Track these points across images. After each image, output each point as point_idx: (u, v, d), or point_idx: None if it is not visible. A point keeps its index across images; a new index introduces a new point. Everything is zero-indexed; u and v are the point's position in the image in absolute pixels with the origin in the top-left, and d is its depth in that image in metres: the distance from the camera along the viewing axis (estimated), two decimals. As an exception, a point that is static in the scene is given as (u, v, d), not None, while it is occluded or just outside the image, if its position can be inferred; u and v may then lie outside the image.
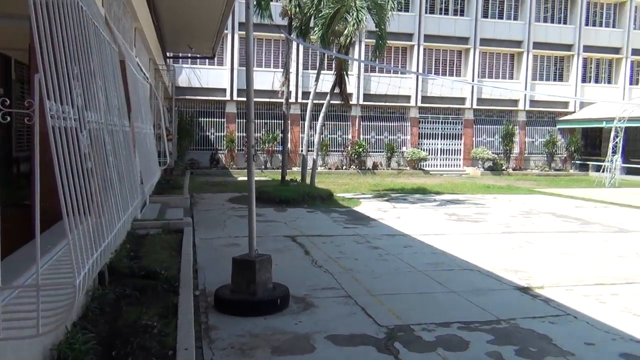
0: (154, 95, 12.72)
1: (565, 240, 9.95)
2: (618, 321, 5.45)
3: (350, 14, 14.34)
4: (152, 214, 10.45)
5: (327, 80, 18.84)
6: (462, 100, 28.80)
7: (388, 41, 26.74)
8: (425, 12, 28.27)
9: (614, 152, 23.18)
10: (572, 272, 7.51)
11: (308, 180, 16.18)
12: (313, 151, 16.90)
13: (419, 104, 28.21)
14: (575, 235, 10.48)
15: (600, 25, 30.83)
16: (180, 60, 24.50)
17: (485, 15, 29.15)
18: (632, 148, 28.89)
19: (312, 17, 15.31)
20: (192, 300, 5.09)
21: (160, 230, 8.48)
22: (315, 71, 16.79)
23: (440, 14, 28.80)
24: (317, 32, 14.57)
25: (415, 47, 28.08)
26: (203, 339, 4.75)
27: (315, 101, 17.39)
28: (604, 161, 23.87)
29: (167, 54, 19.56)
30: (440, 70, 28.93)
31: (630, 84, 30.92)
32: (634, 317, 5.63)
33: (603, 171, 23.28)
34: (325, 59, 23.75)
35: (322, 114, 15.99)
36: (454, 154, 29.23)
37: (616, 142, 23.16)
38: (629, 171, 26.38)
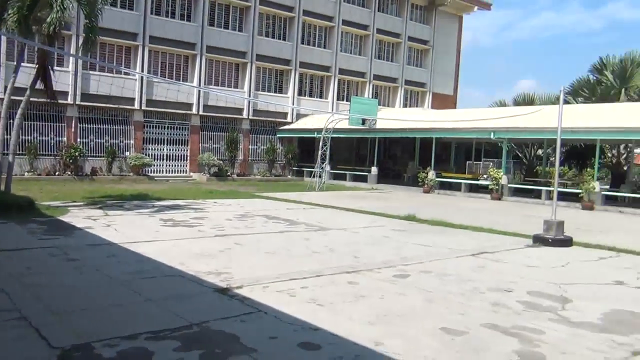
0: None
1: (272, 240, 10.52)
2: (303, 312, 5.82)
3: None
4: None
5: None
6: (188, 106, 28.75)
7: (111, 39, 25.53)
8: (151, 13, 27.40)
9: (323, 160, 25.93)
10: (272, 270, 7.90)
11: (3, 187, 13.96)
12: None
13: (144, 107, 27.19)
14: (282, 235, 11.19)
15: (314, 45, 34.25)
16: None
17: (211, 24, 29.67)
18: (339, 157, 32.86)
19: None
20: None
21: None
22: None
23: (167, 16, 28.29)
24: (12, 16, 12.68)
25: (140, 48, 27.01)
26: None
27: (17, 97, 15.18)
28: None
29: None
30: (167, 73, 28.35)
31: (338, 99, 35.08)
32: (317, 307, 6.11)
33: (314, 177, 25.81)
34: (36, 52, 21.09)
35: (19, 111, 13.94)
36: (181, 160, 28.97)
37: (324, 151, 25.92)
38: (336, 176, 29.85)
